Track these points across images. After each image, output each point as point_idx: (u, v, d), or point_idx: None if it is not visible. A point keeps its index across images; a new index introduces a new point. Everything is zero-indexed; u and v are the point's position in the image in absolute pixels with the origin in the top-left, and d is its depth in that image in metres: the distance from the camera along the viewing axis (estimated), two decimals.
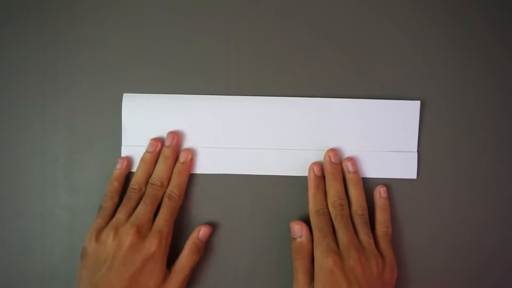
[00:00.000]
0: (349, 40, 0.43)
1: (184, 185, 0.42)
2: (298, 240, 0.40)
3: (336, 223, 0.40)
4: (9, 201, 0.43)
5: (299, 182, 0.42)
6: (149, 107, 0.43)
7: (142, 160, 0.42)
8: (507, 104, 0.43)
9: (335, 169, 0.41)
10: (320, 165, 0.42)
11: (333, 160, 0.41)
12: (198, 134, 0.42)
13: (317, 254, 0.39)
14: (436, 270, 0.43)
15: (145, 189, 0.41)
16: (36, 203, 0.43)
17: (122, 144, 0.43)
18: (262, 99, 0.42)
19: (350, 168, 0.42)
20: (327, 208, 0.41)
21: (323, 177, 0.42)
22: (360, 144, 0.42)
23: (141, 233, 0.38)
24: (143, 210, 0.40)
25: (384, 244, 0.40)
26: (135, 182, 0.41)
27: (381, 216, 0.41)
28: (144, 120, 0.43)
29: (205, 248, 0.42)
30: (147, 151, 0.42)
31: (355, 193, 0.41)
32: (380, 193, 0.42)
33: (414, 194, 0.43)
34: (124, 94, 0.43)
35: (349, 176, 0.42)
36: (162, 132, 0.43)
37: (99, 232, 0.39)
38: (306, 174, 0.42)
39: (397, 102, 0.42)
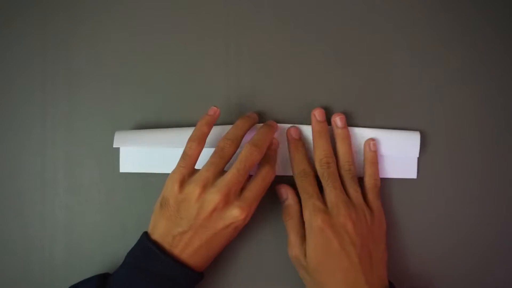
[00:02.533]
0: (351, 62, 0.43)
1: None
2: (286, 202, 0.40)
3: (323, 181, 0.39)
4: (9, 201, 0.43)
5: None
6: (142, 142, 0.42)
7: (243, 117, 0.40)
8: (506, 104, 0.43)
9: (321, 127, 0.41)
10: (297, 128, 0.42)
11: (318, 118, 0.41)
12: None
13: (306, 215, 0.38)
14: (436, 269, 0.43)
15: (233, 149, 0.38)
16: (36, 203, 0.43)
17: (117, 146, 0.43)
18: (260, 126, 0.42)
19: (339, 123, 0.41)
20: (310, 168, 0.40)
21: (300, 140, 0.42)
22: (360, 148, 0.42)
23: (228, 200, 0.36)
24: (235, 178, 0.37)
25: (372, 197, 0.40)
26: (231, 136, 0.38)
27: (369, 169, 0.41)
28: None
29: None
30: (248, 115, 0.41)
31: (342, 149, 0.41)
32: (369, 146, 0.41)
33: (414, 194, 0.43)
34: (116, 132, 0.42)
35: (337, 132, 0.41)
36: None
37: (183, 182, 0.37)
38: None
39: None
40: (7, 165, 0.43)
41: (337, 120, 0.41)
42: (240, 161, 0.37)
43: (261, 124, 0.41)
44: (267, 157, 0.40)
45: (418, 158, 0.42)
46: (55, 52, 0.43)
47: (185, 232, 0.37)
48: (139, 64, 0.43)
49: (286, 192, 0.41)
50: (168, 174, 0.42)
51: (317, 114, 0.41)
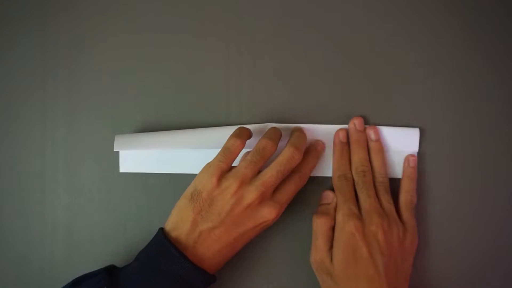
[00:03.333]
0: (348, 65, 0.43)
1: (312, 170, 0.41)
2: (325, 206, 0.40)
3: (358, 189, 0.40)
4: (9, 201, 0.43)
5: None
6: (142, 145, 0.42)
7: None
8: (506, 104, 0.43)
9: (360, 137, 0.41)
10: (346, 131, 0.42)
11: (358, 127, 0.41)
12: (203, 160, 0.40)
13: (339, 217, 0.38)
14: (436, 269, 0.43)
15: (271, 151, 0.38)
16: (36, 203, 0.43)
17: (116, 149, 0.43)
18: (260, 126, 0.42)
19: (373, 136, 0.41)
20: (350, 174, 0.41)
21: (347, 144, 0.42)
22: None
23: (263, 199, 0.37)
24: (272, 179, 0.37)
25: (407, 213, 0.40)
26: (272, 136, 0.39)
27: (407, 185, 0.41)
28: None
29: None
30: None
31: (377, 161, 0.41)
32: (409, 162, 0.42)
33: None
34: (116, 136, 0.42)
35: (371, 145, 0.41)
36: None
37: (220, 176, 0.37)
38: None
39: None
40: (7, 165, 0.43)
41: (371, 134, 0.41)
42: (281, 164, 0.37)
43: (272, 124, 0.42)
44: (305, 161, 0.40)
45: (418, 157, 0.42)
46: (55, 52, 0.44)
47: (215, 228, 0.36)
48: (139, 64, 0.43)
49: (332, 197, 0.41)
50: (168, 174, 0.42)
51: (357, 124, 0.41)
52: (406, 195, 0.41)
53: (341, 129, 0.42)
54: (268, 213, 0.37)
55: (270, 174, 0.37)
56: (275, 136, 0.39)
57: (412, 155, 0.42)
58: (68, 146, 0.43)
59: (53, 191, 0.43)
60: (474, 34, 0.43)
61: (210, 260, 0.37)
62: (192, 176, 0.40)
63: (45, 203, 0.43)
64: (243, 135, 0.38)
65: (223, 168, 0.37)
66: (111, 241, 0.43)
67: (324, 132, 0.42)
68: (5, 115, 0.43)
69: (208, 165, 0.37)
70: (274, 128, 0.40)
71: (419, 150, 0.42)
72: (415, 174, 0.41)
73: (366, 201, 0.39)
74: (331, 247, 0.38)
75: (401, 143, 0.42)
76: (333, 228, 0.39)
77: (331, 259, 0.38)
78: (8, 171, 0.43)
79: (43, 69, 0.43)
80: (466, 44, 0.43)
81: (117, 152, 0.43)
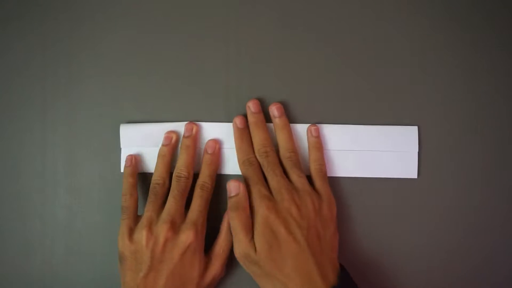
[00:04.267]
0: (349, 66, 0.43)
1: (215, 175, 0.41)
2: (234, 198, 0.39)
3: (264, 171, 0.40)
4: (9, 201, 0.43)
5: None
6: (147, 134, 0.43)
7: (160, 155, 0.41)
8: (506, 104, 0.43)
9: (257, 118, 0.41)
10: (242, 117, 0.42)
11: (253, 110, 0.41)
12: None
13: (252, 203, 0.39)
14: (436, 269, 0.42)
15: (169, 184, 0.41)
16: (36, 203, 0.43)
17: (121, 146, 0.43)
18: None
19: (276, 113, 0.41)
20: (254, 157, 0.41)
21: (246, 128, 0.42)
22: (360, 146, 0.42)
23: (175, 228, 0.38)
24: (174, 206, 0.39)
25: (319, 182, 0.40)
26: (158, 177, 0.40)
27: (314, 154, 0.41)
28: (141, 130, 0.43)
29: None
30: (163, 145, 0.41)
31: (282, 138, 0.41)
32: (311, 131, 0.42)
33: (415, 194, 0.43)
34: (121, 125, 0.43)
35: (275, 121, 0.42)
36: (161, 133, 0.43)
37: (131, 232, 0.39)
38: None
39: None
40: (7, 165, 0.43)
41: (274, 110, 0.41)
42: (173, 190, 0.40)
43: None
44: (201, 172, 0.41)
45: (418, 158, 0.42)
46: (55, 52, 0.43)
47: (147, 275, 0.37)
48: (139, 64, 0.43)
49: (237, 187, 0.39)
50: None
51: (252, 106, 0.42)
52: (314, 164, 0.41)
53: (238, 116, 0.42)
54: (185, 237, 0.38)
55: (169, 203, 0.39)
56: (161, 176, 0.40)
57: (313, 125, 0.42)
58: (68, 146, 0.43)
59: (53, 191, 0.43)
60: (474, 33, 0.43)
61: None
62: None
63: (45, 203, 0.43)
64: (128, 189, 0.40)
65: (129, 224, 0.39)
66: (111, 241, 0.43)
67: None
68: (5, 115, 0.43)
69: (120, 228, 0.39)
70: (157, 167, 0.41)
71: (418, 149, 0.42)
72: (320, 143, 0.42)
73: (273, 180, 0.39)
74: (252, 237, 0.38)
75: (400, 142, 0.42)
76: (250, 219, 0.39)
77: (255, 249, 0.37)
78: (8, 171, 0.43)
79: (43, 69, 0.43)
80: (466, 44, 0.43)
81: (118, 152, 0.43)
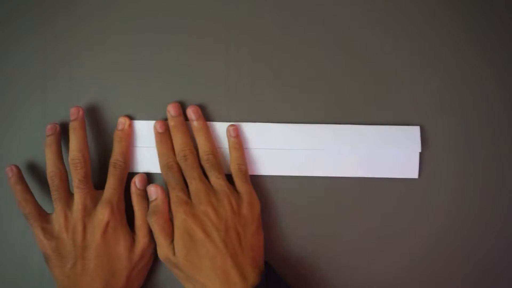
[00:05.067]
0: (349, 68, 0.43)
1: (127, 151, 0.41)
2: (153, 202, 0.40)
3: (184, 175, 0.40)
4: (9, 201, 0.43)
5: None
6: (146, 132, 0.43)
7: (47, 144, 0.41)
8: (507, 105, 0.43)
9: (176, 121, 0.42)
10: (163, 121, 0.42)
11: (173, 114, 0.42)
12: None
13: (171, 207, 0.39)
14: (436, 269, 0.42)
15: (66, 172, 0.40)
16: None
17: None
18: (259, 125, 0.42)
19: (192, 116, 0.42)
20: (174, 162, 0.41)
21: (166, 132, 0.42)
22: (362, 146, 0.42)
23: (89, 211, 0.39)
24: (81, 193, 0.39)
25: (239, 181, 0.40)
26: (55, 168, 0.40)
27: (233, 155, 0.41)
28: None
29: None
30: (47, 135, 0.41)
31: (200, 140, 0.41)
32: (229, 132, 0.42)
33: (415, 194, 0.43)
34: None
35: (193, 124, 0.42)
36: None
37: (45, 231, 0.39)
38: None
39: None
40: (7, 165, 0.43)
41: (191, 113, 0.42)
42: (73, 179, 0.39)
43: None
44: (114, 147, 0.41)
45: (420, 157, 0.42)
46: (55, 51, 0.43)
47: (75, 264, 0.38)
48: (139, 64, 0.43)
49: (156, 192, 0.40)
50: None
51: (171, 110, 0.42)
52: (234, 164, 0.41)
53: (157, 120, 0.42)
54: (101, 216, 0.38)
55: (76, 193, 0.39)
56: (52, 161, 0.40)
57: (232, 125, 0.42)
58: (68, 146, 0.43)
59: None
60: (474, 33, 0.43)
61: None
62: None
63: (45, 203, 0.43)
64: (25, 196, 0.40)
65: (39, 225, 0.39)
66: None
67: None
68: (5, 115, 0.43)
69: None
70: (52, 150, 0.40)
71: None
72: (239, 143, 0.42)
73: (191, 184, 0.39)
74: (172, 241, 0.38)
75: (402, 142, 0.42)
76: (170, 223, 0.39)
77: (174, 252, 0.38)
78: None
79: (43, 69, 0.43)
80: (467, 44, 0.43)
81: None
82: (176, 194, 0.39)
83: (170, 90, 0.43)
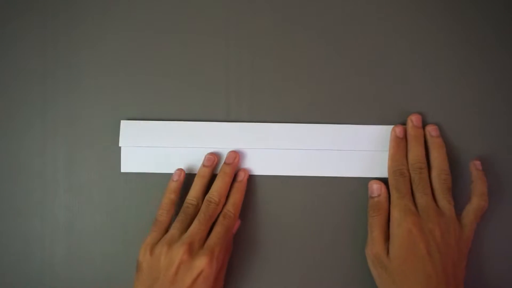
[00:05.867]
0: (348, 66, 0.43)
1: (240, 204, 0.41)
2: (376, 199, 0.40)
3: (414, 186, 0.40)
4: (9, 201, 0.43)
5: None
6: (147, 132, 0.43)
7: (199, 175, 0.41)
8: (507, 104, 0.43)
9: (418, 133, 0.41)
10: (403, 127, 0.42)
11: (415, 124, 0.42)
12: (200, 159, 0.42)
13: (395, 213, 0.38)
14: None
15: (201, 205, 0.40)
16: (36, 203, 0.43)
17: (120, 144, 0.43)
18: (258, 125, 0.43)
19: (433, 133, 0.41)
20: (407, 170, 0.40)
21: (404, 139, 0.42)
22: (361, 146, 0.42)
23: (192, 252, 0.37)
24: (197, 229, 0.38)
25: (472, 216, 0.39)
26: (193, 198, 0.40)
27: (480, 189, 0.40)
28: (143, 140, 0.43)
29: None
30: (204, 165, 0.41)
31: (438, 157, 0.40)
32: (476, 165, 0.41)
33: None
34: (122, 121, 0.43)
35: (432, 141, 0.41)
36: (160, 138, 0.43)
37: (153, 246, 0.38)
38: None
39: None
40: (7, 165, 0.43)
41: (431, 130, 0.41)
42: (200, 212, 0.39)
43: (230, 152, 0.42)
44: (228, 200, 0.41)
45: None
46: (55, 52, 0.43)
47: None
48: (139, 65, 0.43)
49: (380, 189, 0.41)
50: (169, 174, 0.42)
51: (414, 120, 0.42)
52: (478, 200, 0.40)
53: (398, 125, 0.42)
54: (199, 262, 0.37)
55: (194, 225, 0.38)
56: (196, 196, 0.40)
57: (477, 159, 0.42)
58: (68, 146, 0.43)
59: (53, 191, 0.43)
60: (474, 33, 0.43)
61: None
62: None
63: (45, 203, 0.43)
64: (167, 205, 0.40)
65: (155, 237, 0.39)
66: (111, 241, 0.43)
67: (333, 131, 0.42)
68: (5, 114, 0.43)
69: (146, 238, 0.39)
70: (193, 186, 0.41)
71: None
72: (483, 176, 0.41)
73: (422, 198, 0.39)
74: (387, 239, 0.38)
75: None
76: (387, 221, 0.39)
77: (387, 253, 0.38)
78: (8, 171, 0.43)
79: (43, 68, 0.43)
80: (466, 44, 0.43)
81: (118, 152, 0.43)
82: (405, 203, 0.38)
83: (170, 90, 0.43)
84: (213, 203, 0.40)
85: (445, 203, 0.39)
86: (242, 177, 0.42)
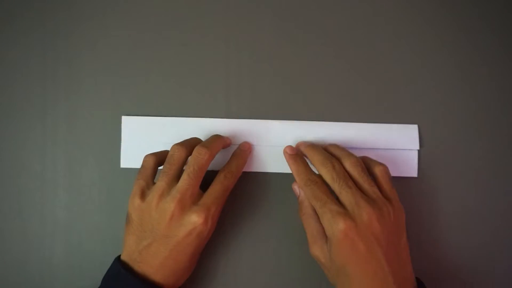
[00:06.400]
0: (346, 65, 0.43)
1: (241, 170, 0.40)
2: (299, 199, 0.40)
3: (334, 185, 0.36)
4: (9, 201, 0.43)
5: None
6: (148, 128, 0.43)
7: (196, 138, 0.40)
8: (506, 104, 0.43)
9: (310, 144, 0.40)
10: (291, 146, 0.41)
11: (291, 152, 0.41)
12: None
13: (325, 224, 0.36)
14: (437, 269, 0.42)
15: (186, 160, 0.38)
16: (36, 203, 0.43)
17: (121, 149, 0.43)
18: (261, 122, 0.43)
19: (290, 152, 0.41)
20: (316, 176, 0.38)
21: (298, 154, 0.40)
22: (361, 144, 0.42)
23: (184, 207, 0.36)
24: (186, 184, 0.36)
25: (386, 186, 0.37)
26: (180, 143, 0.39)
27: (371, 160, 0.39)
28: (144, 138, 0.43)
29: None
30: (210, 142, 0.39)
31: (339, 151, 0.39)
32: (289, 150, 0.41)
33: (415, 193, 0.43)
34: (123, 117, 0.43)
35: (326, 145, 0.41)
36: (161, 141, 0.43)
37: (142, 196, 0.37)
38: None
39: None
40: (7, 165, 0.43)
41: (288, 151, 0.41)
42: (189, 165, 0.37)
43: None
44: (230, 160, 0.40)
45: (419, 156, 0.42)
46: (55, 51, 0.44)
47: (150, 245, 0.36)
48: (139, 64, 0.43)
49: (298, 189, 0.40)
50: None
51: (288, 150, 0.41)
52: (378, 169, 0.38)
53: (286, 146, 0.41)
54: (193, 219, 0.36)
55: (183, 179, 0.37)
56: (184, 142, 0.39)
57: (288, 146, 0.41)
58: (68, 146, 0.43)
59: (53, 191, 0.43)
60: (474, 33, 0.43)
61: (156, 276, 0.37)
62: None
63: (45, 203, 0.43)
64: (148, 164, 0.38)
65: (142, 185, 0.38)
66: (111, 241, 0.43)
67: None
68: (5, 115, 0.43)
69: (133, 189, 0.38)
70: (195, 138, 0.40)
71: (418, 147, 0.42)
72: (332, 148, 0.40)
73: (348, 192, 0.36)
74: (322, 239, 0.37)
75: (400, 140, 0.42)
76: (317, 220, 0.38)
77: (328, 256, 0.36)
78: (8, 171, 0.43)
79: (43, 69, 0.43)
80: (466, 44, 0.43)
81: (118, 152, 0.43)
82: (329, 208, 0.35)
83: (170, 90, 0.43)
84: (202, 155, 0.37)
85: (367, 187, 0.36)
86: (246, 147, 0.42)
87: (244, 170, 0.42)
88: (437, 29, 0.43)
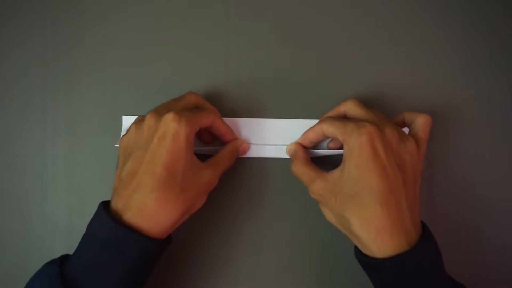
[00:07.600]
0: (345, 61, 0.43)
1: (226, 160, 0.40)
2: (290, 153, 0.41)
3: (360, 111, 0.37)
4: (9, 201, 0.43)
5: None
6: None
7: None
8: (506, 103, 0.43)
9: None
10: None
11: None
12: None
13: (346, 134, 0.35)
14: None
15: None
16: (36, 203, 0.43)
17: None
18: (260, 121, 0.43)
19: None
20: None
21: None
22: None
23: (160, 115, 0.35)
24: (174, 105, 0.37)
25: (421, 134, 0.37)
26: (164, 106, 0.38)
27: (415, 113, 0.38)
28: None
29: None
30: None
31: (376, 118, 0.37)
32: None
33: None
34: (123, 117, 0.43)
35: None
36: None
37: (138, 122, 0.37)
38: None
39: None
40: (7, 165, 0.43)
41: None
42: (172, 105, 0.37)
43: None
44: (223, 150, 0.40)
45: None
46: (55, 53, 0.44)
47: (128, 165, 0.35)
48: (139, 64, 0.43)
49: (287, 148, 0.41)
50: None
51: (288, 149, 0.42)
52: (421, 116, 0.38)
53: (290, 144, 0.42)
54: (207, 175, 0.36)
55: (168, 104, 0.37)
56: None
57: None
58: (68, 146, 0.43)
59: (53, 191, 0.43)
60: (474, 33, 0.43)
61: (132, 212, 0.33)
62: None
63: (45, 203, 0.43)
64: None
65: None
66: None
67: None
68: (6, 115, 0.43)
69: None
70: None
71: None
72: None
73: (368, 114, 0.36)
74: (324, 172, 0.36)
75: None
76: (308, 160, 0.39)
77: (343, 173, 0.35)
78: (8, 171, 0.43)
79: (43, 70, 0.44)
80: (466, 44, 0.43)
81: (118, 152, 0.43)
82: (355, 122, 0.35)
83: (170, 90, 0.43)
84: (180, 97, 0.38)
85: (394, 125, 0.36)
86: (242, 149, 0.42)
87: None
88: (438, 29, 0.43)
